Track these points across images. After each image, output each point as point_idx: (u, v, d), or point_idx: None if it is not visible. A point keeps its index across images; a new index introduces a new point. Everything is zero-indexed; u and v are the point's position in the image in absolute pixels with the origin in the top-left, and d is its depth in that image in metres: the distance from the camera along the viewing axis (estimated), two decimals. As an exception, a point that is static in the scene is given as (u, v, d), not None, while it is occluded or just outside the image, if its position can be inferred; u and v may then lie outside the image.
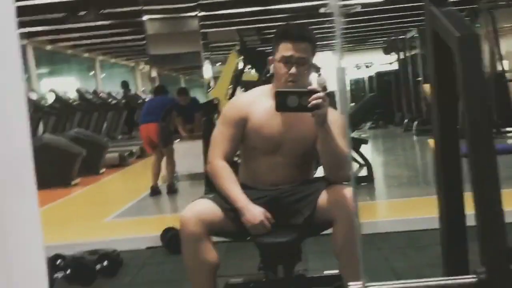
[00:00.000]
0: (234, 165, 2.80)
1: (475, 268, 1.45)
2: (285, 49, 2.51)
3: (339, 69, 1.55)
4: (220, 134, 2.63)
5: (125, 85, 15.38)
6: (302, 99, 2.34)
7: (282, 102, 2.37)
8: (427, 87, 10.53)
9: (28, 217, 0.84)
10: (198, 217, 2.44)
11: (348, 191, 2.45)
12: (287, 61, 2.50)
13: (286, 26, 2.67)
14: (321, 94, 2.34)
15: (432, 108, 1.81)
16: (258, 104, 2.62)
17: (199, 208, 2.48)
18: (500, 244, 1.43)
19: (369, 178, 6.56)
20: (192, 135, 8.31)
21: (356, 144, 7.05)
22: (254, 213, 2.47)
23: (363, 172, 6.75)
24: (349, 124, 6.99)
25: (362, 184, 6.50)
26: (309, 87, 2.39)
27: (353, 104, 19.36)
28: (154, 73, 17.04)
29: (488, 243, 1.43)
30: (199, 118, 8.18)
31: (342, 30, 1.20)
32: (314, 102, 2.33)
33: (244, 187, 2.60)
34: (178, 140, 8.20)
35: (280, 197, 2.59)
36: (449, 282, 1.50)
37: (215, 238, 2.54)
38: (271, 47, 2.61)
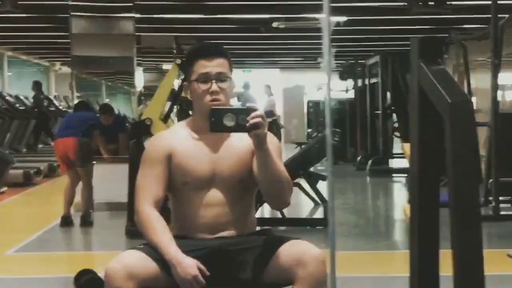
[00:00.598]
0: (165, 211, 2.82)
1: None
2: (201, 67, 2.61)
3: (327, 89, 1.62)
4: (145, 177, 2.64)
5: (37, 86, 15.02)
6: (240, 118, 2.39)
7: (217, 121, 2.41)
8: (407, 146, 10.76)
9: None
10: (128, 270, 2.40)
11: (314, 249, 2.47)
12: (205, 78, 2.60)
13: (197, 45, 2.83)
14: (260, 112, 2.41)
15: (411, 168, 1.90)
16: (181, 135, 2.68)
17: (129, 260, 2.45)
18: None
19: (326, 221, 6.65)
20: (115, 157, 8.24)
21: (314, 179, 7.20)
22: (185, 266, 2.45)
23: (319, 213, 6.86)
24: (305, 160, 7.18)
25: (317, 227, 6.61)
26: (247, 104, 2.48)
27: (309, 130, 19.60)
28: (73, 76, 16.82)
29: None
30: (124, 139, 8.17)
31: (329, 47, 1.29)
32: (253, 121, 2.38)
33: (178, 237, 2.59)
34: (96, 162, 8.10)
35: (223, 247, 2.59)
36: None
37: None
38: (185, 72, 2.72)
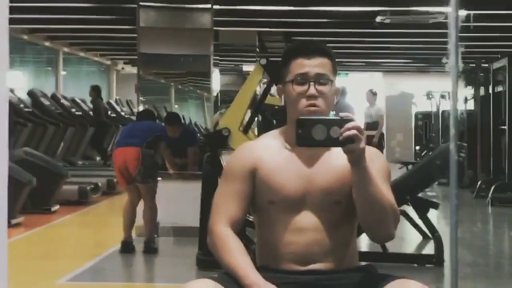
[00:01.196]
0: (244, 238, 2.82)
1: None
2: (298, 67, 2.63)
3: (453, 96, 1.61)
4: (224, 194, 2.67)
5: (96, 91, 15.29)
6: (332, 129, 2.38)
7: (305, 133, 2.41)
8: None
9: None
10: None
11: None
12: (303, 79, 2.61)
13: (295, 42, 2.82)
14: (356, 123, 2.38)
15: None
16: (270, 148, 2.68)
17: None
18: None
19: (439, 258, 6.56)
20: (184, 173, 8.34)
21: (423, 207, 7.09)
22: None
23: (429, 249, 6.76)
24: (414, 182, 7.08)
25: (428, 265, 6.52)
26: (341, 114, 2.42)
27: (417, 147, 19.11)
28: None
29: None
30: (194, 152, 8.27)
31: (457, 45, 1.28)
32: (347, 133, 2.36)
33: (261, 269, 2.60)
34: (161, 178, 8.21)
35: (314, 283, 2.58)
36: None
37: None
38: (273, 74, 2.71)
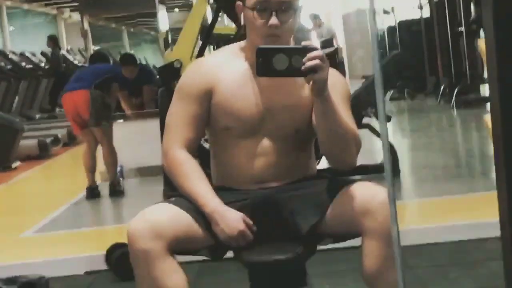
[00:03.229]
0: (202, 153, 2.82)
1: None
2: None
3: (370, 13, 1.59)
4: (177, 115, 2.62)
5: (53, 41, 15.25)
6: (294, 58, 2.33)
7: (266, 63, 2.35)
8: (482, 43, 10.51)
9: None
10: (154, 229, 2.39)
11: (381, 192, 2.45)
12: (264, 7, 2.50)
13: None
14: (319, 52, 2.33)
15: (489, 75, 1.84)
16: (227, 68, 2.62)
17: (156, 217, 2.44)
18: None
19: (394, 169, 6.63)
20: (141, 112, 8.28)
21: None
22: (230, 219, 2.47)
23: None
24: (366, 95, 7.10)
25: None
26: (303, 43, 2.37)
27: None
28: (86, 24, 16.93)
29: None
30: (150, 90, 8.21)
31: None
32: (310, 63, 2.31)
33: (218, 188, 2.61)
34: (122, 120, 8.17)
35: (268, 199, 2.59)
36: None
37: (181, 257, 2.50)
38: None
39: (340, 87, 2.57)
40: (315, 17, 17.20)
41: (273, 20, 2.49)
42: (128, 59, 8.19)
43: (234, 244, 2.49)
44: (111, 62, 8.83)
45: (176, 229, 2.44)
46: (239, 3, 2.59)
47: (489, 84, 1.83)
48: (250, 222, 2.50)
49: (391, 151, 6.83)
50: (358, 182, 2.53)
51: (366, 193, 2.47)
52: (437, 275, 4.12)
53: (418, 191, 6.53)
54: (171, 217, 2.46)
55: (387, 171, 1.35)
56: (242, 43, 2.69)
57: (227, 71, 2.61)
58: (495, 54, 1.76)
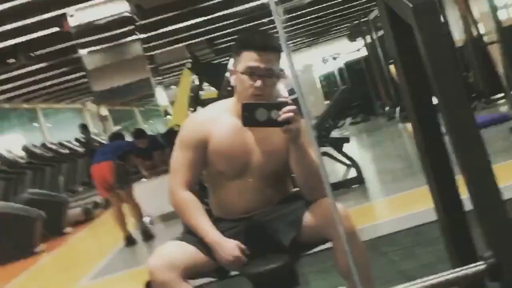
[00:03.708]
0: (202, 188, 2.79)
1: (483, 252, 1.47)
2: (250, 60, 2.48)
3: (291, 69, 1.56)
4: (179, 160, 2.58)
5: (84, 128, 15.39)
6: (272, 112, 2.33)
7: (250, 116, 2.34)
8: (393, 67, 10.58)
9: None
10: (168, 262, 2.37)
11: (338, 206, 2.42)
12: (252, 73, 2.48)
13: (248, 33, 2.66)
14: (293, 107, 2.32)
15: (403, 91, 1.81)
16: (218, 121, 2.59)
17: (168, 252, 2.42)
18: (503, 223, 1.44)
19: (359, 179, 6.61)
20: (155, 171, 8.31)
21: (337, 144, 7.09)
22: (227, 248, 2.45)
23: (352, 173, 6.78)
24: (323, 126, 7.07)
25: (353, 186, 6.53)
26: (279, 99, 2.37)
27: (327, 102, 19.44)
28: (104, 111, 16.97)
29: (489, 224, 1.45)
30: (159, 154, 8.28)
31: (284, 27, 1.22)
32: (285, 115, 2.31)
33: (217, 218, 2.59)
34: (142, 179, 8.22)
35: (256, 223, 2.57)
36: (459, 274, 1.52)
37: (196, 281, 2.49)
38: (229, 57, 2.61)
39: (305, 128, 2.51)
40: (280, 71, 17.20)
41: (259, 83, 2.47)
42: (140, 134, 8.27)
43: (232, 267, 2.48)
44: (126, 138, 8.83)
45: (186, 259, 2.42)
46: (231, 68, 2.57)
47: (404, 100, 1.80)
48: (243, 247, 2.48)
49: (354, 165, 6.81)
50: (321, 199, 2.49)
51: (324, 207, 2.45)
52: (406, 255, 4.07)
53: (383, 191, 6.48)
54: (180, 251, 2.44)
55: (325, 183, 1.33)
56: (229, 101, 2.66)
57: (219, 124, 2.57)
58: (403, 74, 1.75)
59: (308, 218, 2.50)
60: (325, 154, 7.06)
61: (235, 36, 12.98)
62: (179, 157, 2.60)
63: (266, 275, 2.50)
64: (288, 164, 2.54)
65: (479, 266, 1.46)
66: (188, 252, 2.45)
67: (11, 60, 8.75)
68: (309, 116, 1.95)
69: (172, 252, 2.42)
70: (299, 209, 2.54)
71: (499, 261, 1.42)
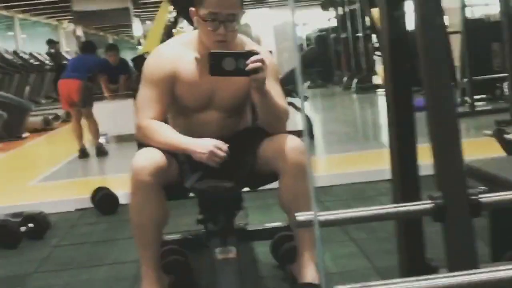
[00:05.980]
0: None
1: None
2: (211, 5, 2.32)
3: (292, 25, 1.47)
4: (146, 97, 2.45)
5: (52, 43, 15.00)
6: (239, 61, 2.22)
7: (216, 65, 2.23)
8: (375, 12, 10.39)
9: None
10: (154, 164, 2.27)
11: (294, 140, 2.36)
12: (214, 18, 2.33)
13: None
14: (260, 56, 2.23)
15: (384, 61, 1.73)
16: (184, 59, 2.45)
17: (154, 155, 2.30)
18: (455, 167, 1.40)
19: (310, 134, 6.59)
20: (116, 95, 8.13)
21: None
22: (202, 144, 2.33)
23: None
24: (291, 79, 7.01)
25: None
26: (247, 49, 2.27)
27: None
28: (79, 32, 16.53)
29: (442, 166, 1.41)
30: (125, 79, 8.10)
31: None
32: (252, 65, 2.21)
33: None
34: (103, 100, 8.01)
35: None
36: (401, 209, 1.48)
37: None
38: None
39: (272, 68, 2.45)
40: (246, 26, 16.87)
41: (221, 30, 2.34)
42: (113, 47, 8.27)
43: (212, 162, 2.34)
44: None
45: (168, 168, 2.35)
46: (192, 9, 2.41)
47: (384, 69, 1.74)
48: (221, 143, 2.36)
49: (308, 121, 6.77)
50: (277, 134, 2.43)
51: (282, 140, 2.38)
52: (341, 206, 4.07)
53: (327, 149, 6.53)
54: (165, 158, 2.34)
55: (304, 133, 1.27)
56: (190, 36, 2.52)
57: (184, 61, 2.45)
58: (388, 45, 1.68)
59: (263, 149, 2.43)
60: (290, 104, 6.95)
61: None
62: (146, 93, 2.46)
63: (213, 191, 2.42)
64: (248, 97, 2.48)
65: (425, 204, 1.42)
66: (171, 161, 2.37)
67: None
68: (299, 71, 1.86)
69: (159, 156, 2.32)
70: (257, 140, 2.47)
71: (446, 204, 1.39)
